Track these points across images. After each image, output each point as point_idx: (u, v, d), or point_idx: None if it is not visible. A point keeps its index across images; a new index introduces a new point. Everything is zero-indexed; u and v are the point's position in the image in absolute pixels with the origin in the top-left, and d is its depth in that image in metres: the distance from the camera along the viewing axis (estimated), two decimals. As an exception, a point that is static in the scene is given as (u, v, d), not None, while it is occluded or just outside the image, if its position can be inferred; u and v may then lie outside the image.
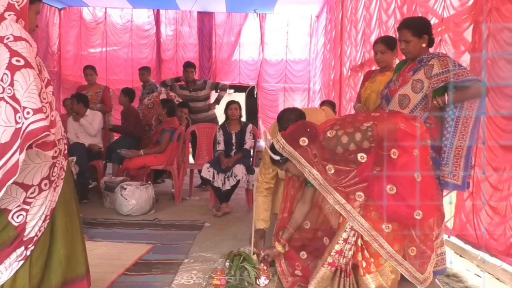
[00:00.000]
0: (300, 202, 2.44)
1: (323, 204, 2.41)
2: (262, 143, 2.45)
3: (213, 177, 4.07)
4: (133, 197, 3.94)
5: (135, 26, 8.61)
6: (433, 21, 3.20)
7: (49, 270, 1.64)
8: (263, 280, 2.34)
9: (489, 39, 2.59)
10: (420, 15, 3.46)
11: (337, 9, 6.76)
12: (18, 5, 1.53)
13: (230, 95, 8.17)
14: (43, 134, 1.40)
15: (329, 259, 2.11)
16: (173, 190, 4.77)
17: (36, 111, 1.40)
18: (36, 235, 1.58)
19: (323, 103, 4.94)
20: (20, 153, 1.37)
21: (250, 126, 4.43)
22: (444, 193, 2.55)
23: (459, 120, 2.33)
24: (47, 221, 1.62)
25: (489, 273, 2.60)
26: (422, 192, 2.03)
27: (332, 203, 2.11)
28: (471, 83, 2.26)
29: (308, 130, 2.17)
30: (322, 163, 2.12)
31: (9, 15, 1.51)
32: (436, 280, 2.37)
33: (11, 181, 1.38)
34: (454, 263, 2.80)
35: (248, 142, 4.35)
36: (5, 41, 1.44)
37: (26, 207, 1.55)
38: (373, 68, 4.10)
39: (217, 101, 5.72)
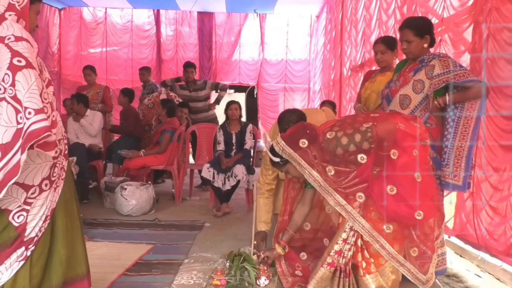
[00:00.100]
0: (299, 204, 2.44)
1: (323, 205, 2.41)
2: (262, 144, 2.44)
3: (213, 177, 4.07)
4: (133, 197, 3.95)
5: (135, 26, 8.61)
6: (433, 21, 3.20)
7: (49, 270, 1.64)
8: (263, 281, 2.34)
9: (489, 39, 2.59)
10: (420, 15, 3.46)
11: (337, 9, 6.76)
12: (19, 5, 1.53)
13: (230, 95, 8.17)
14: (44, 134, 1.40)
15: (329, 259, 2.11)
16: (173, 190, 4.77)
17: (37, 111, 1.40)
18: (36, 235, 1.58)
19: (323, 103, 4.95)
20: (21, 154, 1.37)
21: (250, 126, 4.43)
22: (445, 193, 2.55)
23: (460, 120, 2.33)
24: (48, 221, 1.62)
25: (489, 273, 2.61)
26: (422, 192, 2.04)
27: (332, 204, 2.11)
28: (472, 84, 2.26)
29: (308, 131, 2.17)
30: (322, 164, 2.12)
31: (9, 15, 1.51)
32: (437, 280, 2.37)
33: (13, 181, 1.38)
34: (454, 263, 2.80)
35: (248, 142, 4.35)
36: (6, 41, 1.44)
37: (27, 207, 1.55)
38: (373, 68, 4.11)
39: (217, 101, 5.72)
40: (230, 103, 4.42)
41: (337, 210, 2.13)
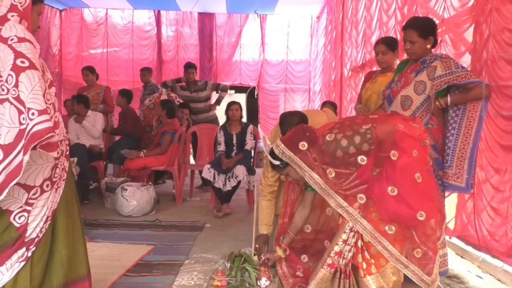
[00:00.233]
0: (300, 206, 2.45)
1: (324, 207, 2.41)
2: (262, 145, 2.44)
3: (214, 178, 4.07)
4: (134, 198, 3.95)
5: (136, 27, 8.62)
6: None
7: (50, 271, 1.64)
8: (264, 281, 2.34)
9: (490, 39, 2.59)
10: (420, 15, 3.46)
11: (337, 10, 6.77)
12: (21, 6, 1.54)
13: (231, 96, 8.19)
14: (48, 135, 1.40)
15: (329, 260, 2.10)
16: (174, 191, 4.78)
17: (41, 112, 1.40)
18: (37, 236, 1.58)
19: (324, 104, 4.94)
20: (24, 154, 1.37)
21: (251, 127, 4.43)
22: (446, 194, 2.55)
23: (462, 122, 2.33)
24: (49, 222, 1.62)
25: (490, 274, 2.60)
26: (423, 193, 2.04)
27: (334, 206, 2.11)
28: (474, 85, 2.26)
29: (307, 134, 2.17)
30: (322, 167, 2.12)
31: (12, 16, 1.51)
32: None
33: (14, 182, 1.38)
34: (455, 264, 2.79)
35: (249, 143, 4.35)
36: (9, 42, 1.44)
37: (28, 208, 1.55)
38: (374, 69, 4.11)
39: (218, 102, 5.73)
40: (231, 104, 4.42)
41: (337, 212, 2.13)
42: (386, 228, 2.03)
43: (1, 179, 1.37)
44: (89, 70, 5.36)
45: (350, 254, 2.10)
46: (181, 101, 5.36)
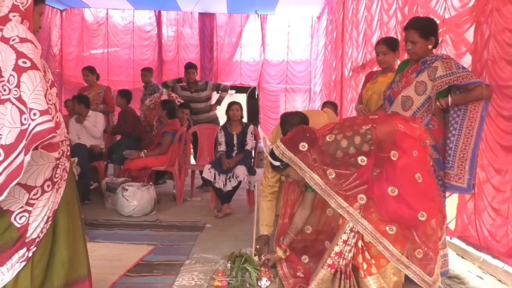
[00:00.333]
0: (300, 207, 2.45)
1: (325, 207, 2.41)
2: (262, 146, 2.44)
3: (215, 178, 4.07)
4: (135, 198, 3.95)
5: (136, 27, 8.62)
6: (435, 22, 3.20)
7: (51, 272, 1.64)
8: (264, 282, 2.34)
9: (490, 39, 2.59)
10: (421, 16, 3.46)
11: (338, 10, 6.77)
12: (23, 6, 1.53)
13: (231, 96, 8.18)
14: (49, 135, 1.40)
15: (329, 261, 2.10)
16: (174, 191, 4.78)
17: (43, 113, 1.40)
18: (38, 236, 1.58)
19: (325, 104, 4.94)
20: (25, 155, 1.37)
21: (251, 127, 4.43)
22: (447, 194, 2.55)
23: (464, 122, 2.33)
24: (49, 222, 1.62)
25: (491, 275, 2.60)
26: (423, 193, 2.04)
27: (334, 207, 2.11)
28: (475, 86, 2.26)
29: (308, 135, 2.17)
30: (323, 167, 2.12)
31: (13, 16, 1.51)
32: (438, 281, 2.37)
33: (15, 182, 1.38)
34: (456, 264, 2.79)
35: (250, 143, 4.35)
36: (11, 42, 1.44)
37: (29, 208, 1.55)
38: (375, 69, 4.11)
39: (219, 102, 5.73)
40: (231, 104, 4.42)
41: (338, 212, 2.13)
42: (387, 228, 2.03)
43: (2, 179, 1.37)
44: (89, 70, 5.36)
45: (351, 254, 2.10)
46: (182, 101, 5.36)
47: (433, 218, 2.08)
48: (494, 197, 2.59)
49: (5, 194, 1.39)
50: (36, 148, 1.41)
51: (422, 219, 2.00)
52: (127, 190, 3.97)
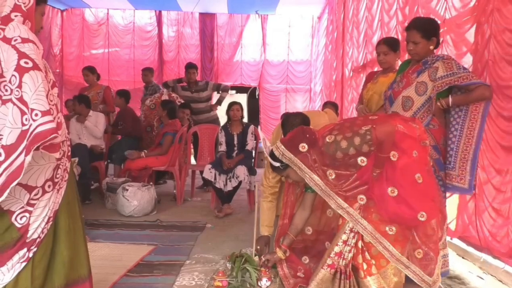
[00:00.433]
0: (300, 208, 2.45)
1: (325, 208, 2.41)
2: (262, 146, 2.44)
3: (215, 178, 4.07)
4: (135, 198, 3.95)
5: (137, 27, 8.63)
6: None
7: (52, 272, 1.64)
8: (264, 282, 2.34)
9: (491, 40, 2.59)
10: (422, 16, 3.46)
11: (338, 10, 6.77)
12: (25, 6, 1.53)
13: (232, 96, 8.19)
14: (51, 136, 1.39)
15: (329, 261, 2.10)
16: (175, 191, 4.78)
17: (44, 113, 1.40)
18: (39, 236, 1.58)
19: (325, 105, 4.94)
20: (26, 155, 1.37)
21: (252, 127, 4.43)
22: (447, 195, 2.55)
23: (465, 123, 2.33)
24: (50, 223, 1.62)
25: (491, 275, 2.60)
26: (424, 193, 2.03)
27: (334, 207, 2.11)
28: (475, 86, 2.26)
29: (307, 136, 2.17)
30: (322, 168, 2.12)
31: (15, 16, 1.51)
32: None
33: (15, 183, 1.38)
34: (457, 265, 2.79)
35: (250, 143, 4.35)
36: (13, 42, 1.44)
37: (30, 208, 1.55)
38: (375, 69, 4.11)
39: (219, 102, 5.72)
40: (232, 104, 4.42)
41: (338, 213, 2.12)
42: (387, 228, 2.03)
43: (2, 180, 1.37)
44: (89, 70, 5.36)
45: (350, 254, 2.10)
46: (182, 101, 5.36)
47: (433, 218, 2.08)
48: (494, 198, 2.59)
49: (5, 194, 1.39)
50: (37, 149, 1.41)
51: (422, 219, 2.00)
52: (127, 190, 3.97)
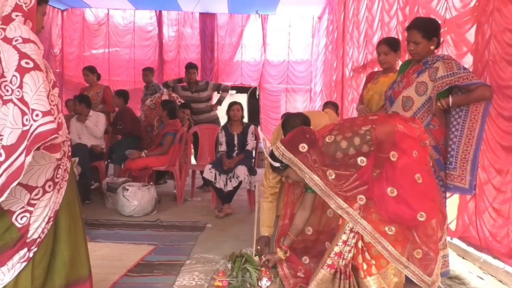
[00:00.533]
0: (300, 208, 2.45)
1: (325, 208, 2.41)
2: (262, 146, 2.45)
3: (215, 178, 4.07)
4: (135, 198, 3.95)
5: (137, 27, 8.64)
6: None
7: (52, 272, 1.64)
8: (265, 282, 2.34)
9: (491, 40, 2.59)
10: (422, 16, 3.46)
11: (339, 10, 6.77)
12: (26, 6, 1.53)
13: (232, 96, 8.19)
14: (52, 136, 1.39)
15: (329, 261, 2.10)
16: (175, 191, 4.78)
17: (45, 114, 1.40)
18: (39, 236, 1.58)
19: (326, 105, 4.94)
20: (26, 156, 1.37)
21: (252, 127, 4.43)
22: (448, 195, 2.55)
23: (465, 123, 2.33)
24: (51, 223, 1.62)
25: (491, 275, 2.60)
26: (423, 193, 2.03)
27: (334, 208, 2.11)
28: (476, 86, 2.26)
29: (307, 136, 2.17)
30: (322, 168, 2.12)
31: (16, 15, 1.51)
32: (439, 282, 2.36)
33: (15, 183, 1.38)
34: (457, 265, 2.79)
35: (250, 143, 4.35)
36: (13, 42, 1.44)
37: (30, 208, 1.55)
38: (376, 69, 4.11)
39: (219, 102, 5.72)
40: (232, 104, 4.42)
41: (338, 213, 2.12)
42: (386, 228, 2.03)
43: (2, 180, 1.37)
44: (89, 70, 5.37)
45: (350, 255, 2.10)
46: (182, 101, 5.36)
47: (433, 218, 2.08)
48: (495, 198, 2.58)
49: (5, 195, 1.39)
50: (38, 149, 1.41)
51: (421, 219, 2.00)
52: (127, 190, 3.97)
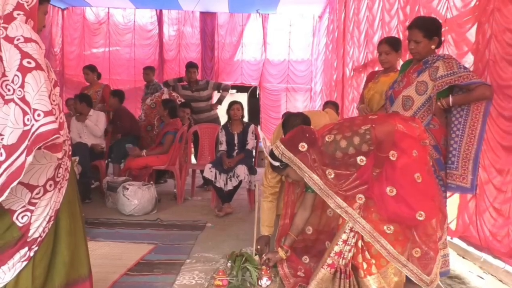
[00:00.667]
0: (300, 208, 2.45)
1: (325, 208, 2.41)
2: (262, 145, 2.45)
3: (215, 178, 4.07)
4: (135, 197, 3.95)
5: (137, 26, 8.63)
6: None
7: (52, 271, 1.64)
8: (265, 281, 2.34)
9: (492, 39, 2.58)
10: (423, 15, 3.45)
11: (339, 10, 6.76)
12: (28, 5, 1.53)
13: (232, 95, 8.19)
14: (53, 136, 1.39)
15: (329, 261, 2.10)
16: (175, 190, 4.78)
17: (46, 114, 1.39)
18: (40, 236, 1.58)
19: (326, 104, 4.94)
20: (27, 155, 1.37)
21: (252, 127, 4.43)
22: (448, 195, 2.55)
23: (466, 123, 2.33)
24: (51, 222, 1.62)
25: (491, 275, 2.60)
26: (423, 193, 2.03)
27: (333, 207, 2.11)
28: (476, 86, 2.26)
29: (307, 135, 2.17)
30: (322, 168, 2.12)
31: (18, 14, 1.50)
32: (439, 282, 2.36)
33: (15, 183, 1.38)
34: (457, 264, 2.79)
35: (250, 143, 4.35)
36: (15, 42, 1.44)
37: (31, 207, 1.55)
38: (376, 69, 4.10)
39: (219, 101, 5.72)
40: (232, 103, 4.42)
41: (338, 213, 2.12)
42: (385, 227, 2.03)
43: (2, 180, 1.37)
44: (89, 69, 5.37)
45: (350, 254, 2.10)
46: (183, 101, 5.36)
47: (432, 217, 2.08)
48: (495, 198, 2.59)
49: (5, 194, 1.39)
50: (39, 149, 1.41)
51: (421, 218, 1.99)
52: (128, 189, 3.97)
